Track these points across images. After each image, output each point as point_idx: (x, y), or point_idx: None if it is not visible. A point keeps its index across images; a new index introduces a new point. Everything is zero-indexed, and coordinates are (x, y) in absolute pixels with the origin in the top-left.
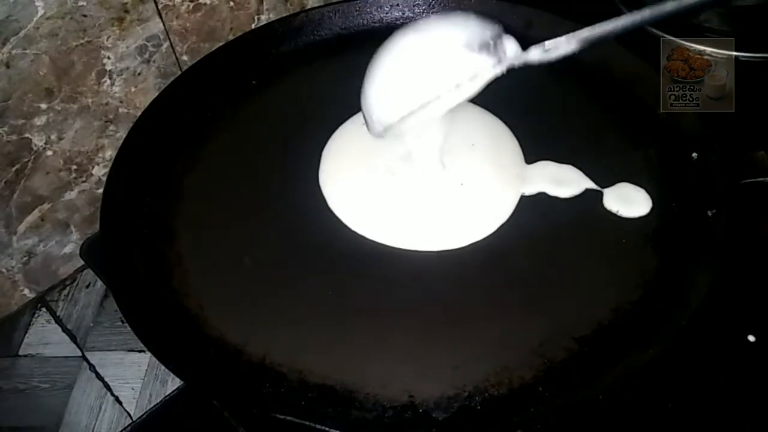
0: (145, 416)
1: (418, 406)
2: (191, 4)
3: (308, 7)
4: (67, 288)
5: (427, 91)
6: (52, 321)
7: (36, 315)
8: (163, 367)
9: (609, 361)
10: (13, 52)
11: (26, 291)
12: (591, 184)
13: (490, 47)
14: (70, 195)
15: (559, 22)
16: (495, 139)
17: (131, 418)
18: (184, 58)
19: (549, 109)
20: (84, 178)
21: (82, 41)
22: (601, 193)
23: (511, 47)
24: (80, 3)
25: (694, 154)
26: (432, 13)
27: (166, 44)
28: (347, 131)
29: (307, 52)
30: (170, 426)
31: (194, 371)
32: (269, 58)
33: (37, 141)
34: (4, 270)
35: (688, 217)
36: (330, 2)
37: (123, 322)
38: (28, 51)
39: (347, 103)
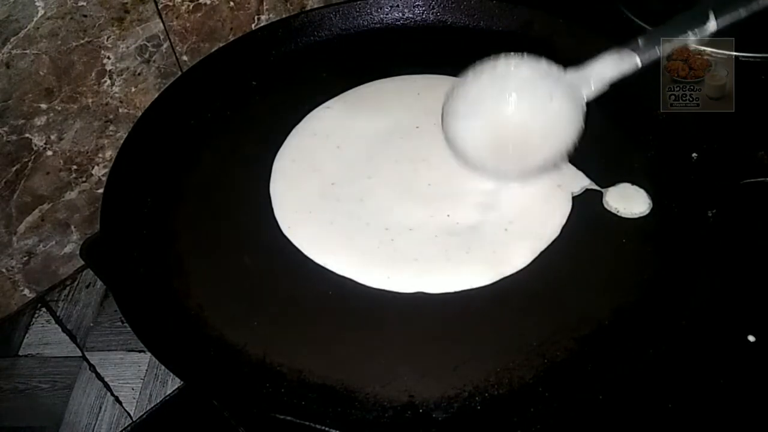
0: (145, 416)
1: (418, 406)
2: (191, 4)
3: (308, 7)
4: (67, 288)
5: None
6: (52, 321)
7: (36, 315)
8: (163, 367)
9: (609, 361)
10: (13, 52)
11: (26, 291)
12: (591, 184)
13: None
14: (70, 195)
15: (559, 23)
16: None
17: (131, 418)
18: (184, 58)
19: None
20: (84, 178)
21: (82, 41)
22: (601, 193)
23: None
24: (80, 3)
25: (694, 154)
26: (431, 13)
27: (166, 44)
28: None
29: (307, 52)
30: (170, 426)
31: (194, 371)
32: (269, 58)
33: (37, 141)
34: (4, 270)
35: (688, 217)
36: (330, 3)
37: (123, 322)
38: (28, 51)
39: None
